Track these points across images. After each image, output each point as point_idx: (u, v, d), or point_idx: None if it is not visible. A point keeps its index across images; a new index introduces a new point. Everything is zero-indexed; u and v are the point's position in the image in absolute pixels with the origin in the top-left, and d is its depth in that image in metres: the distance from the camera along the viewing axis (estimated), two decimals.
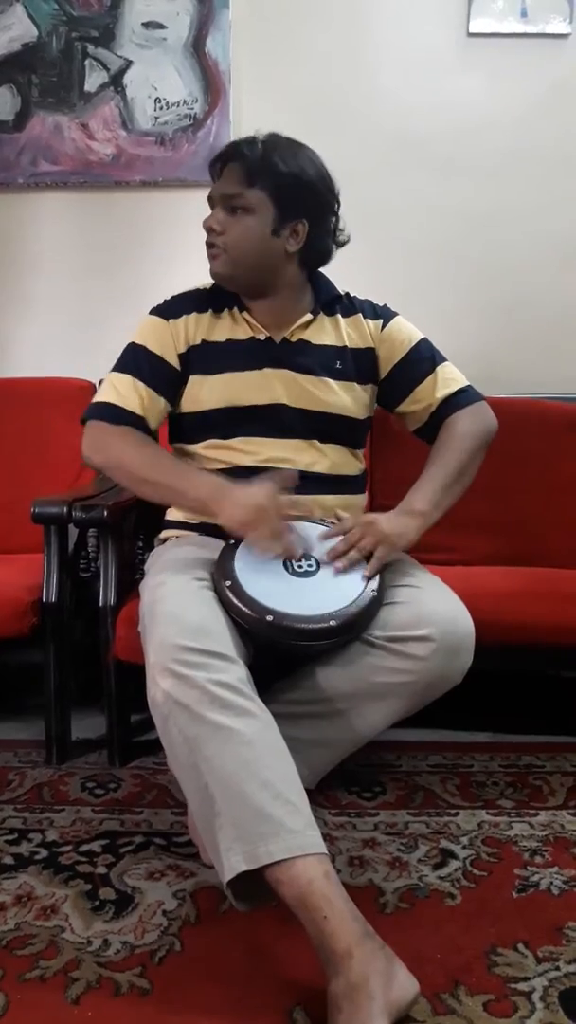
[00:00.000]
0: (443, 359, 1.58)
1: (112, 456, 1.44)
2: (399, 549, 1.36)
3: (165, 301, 1.55)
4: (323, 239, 1.49)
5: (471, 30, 2.28)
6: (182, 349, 1.50)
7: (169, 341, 1.49)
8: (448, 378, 1.55)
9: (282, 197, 1.42)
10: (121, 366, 1.50)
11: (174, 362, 1.49)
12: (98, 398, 1.50)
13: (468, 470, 1.49)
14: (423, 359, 1.56)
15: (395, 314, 1.59)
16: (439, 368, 1.55)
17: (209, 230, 1.45)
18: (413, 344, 1.56)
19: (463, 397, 1.55)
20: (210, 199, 1.47)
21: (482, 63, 2.30)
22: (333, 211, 1.49)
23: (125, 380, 1.48)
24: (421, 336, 1.58)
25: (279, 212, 1.42)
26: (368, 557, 1.32)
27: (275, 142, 1.44)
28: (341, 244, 1.53)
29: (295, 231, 1.45)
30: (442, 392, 1.54)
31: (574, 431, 2.11)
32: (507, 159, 2.32)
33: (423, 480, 1.45)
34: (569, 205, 2.34)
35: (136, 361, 1.49)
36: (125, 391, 1.47)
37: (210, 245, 1.46)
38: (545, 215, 2.34)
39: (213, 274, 1.48)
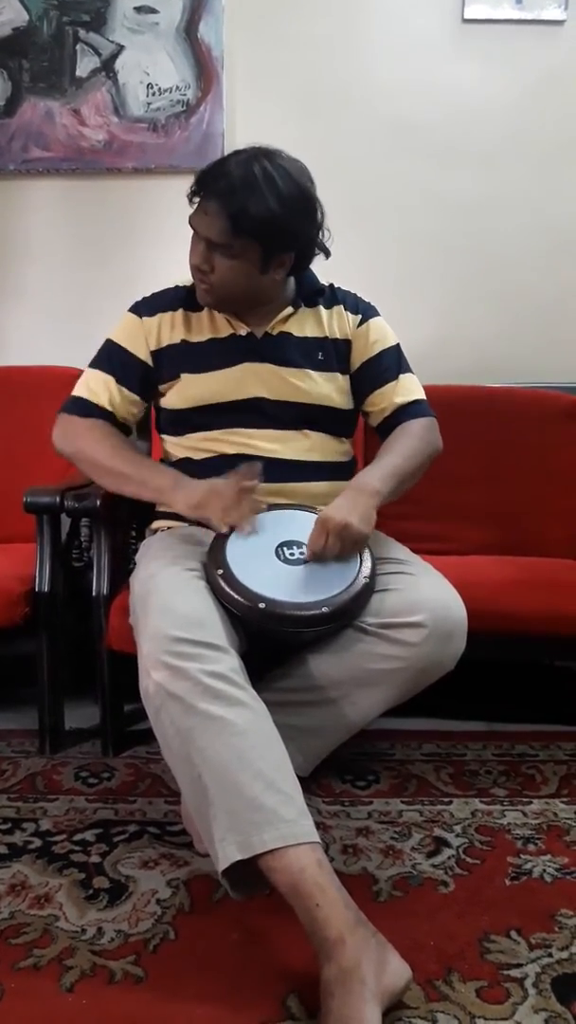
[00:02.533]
0: (409, 369, 1.60)
1: (78, 446, 1.50)
2: (371, 529, 1.33)
3: (144, 298, 1.57)
4: (309, 254, 1.48)
5: (466, 16, 2.26)
6: (154, 347, 1.52)
7: (141, 338, 1.52)
8: (409, 388, 1.57)
9: (267, 241, 1.37)
10: (95, 361, 1.55)
11: (146, 359, 1.52)
12: (73, 392, 1.55)
13: (416, 474, 1.49)
14: (390, 365, 1.57)
15: (376, 314, 1.60)
16: (403, 376, 1.57)
17: (193, 265, 1.43)
18: (383, 348, 1.57)
19: (418, 408, 1.56)
20: (193, 228, 1.41)
21: (477, 50, 2.28)
22: (319, 228, 1.45)
23: (97, 376, 1.53)
24: (394, 342, 1.59)
25: (265, 253, 1.39)
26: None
27: (253, 178, 1.34)
28: (328, 252, 1.50)
29: (282, 263, 1.43)
30: (400, 399, 1.56)
31: (569, 420, 2.11)
32: (502, 146, 2.31)
33: (380, 462, 1.44)
34: (564, 192, 2.33)
35: (109, 357, 1.54)
36: (96, 386, 1.52)
37: (199, 279, 1.44)
38: (540, 202, 2.33)
39: (201, 301, 1.49)
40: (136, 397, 1.53)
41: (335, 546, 1.29)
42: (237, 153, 1.41)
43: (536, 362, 2.33)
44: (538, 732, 1.82)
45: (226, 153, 1.50)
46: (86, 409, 1.51)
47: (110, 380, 1.52)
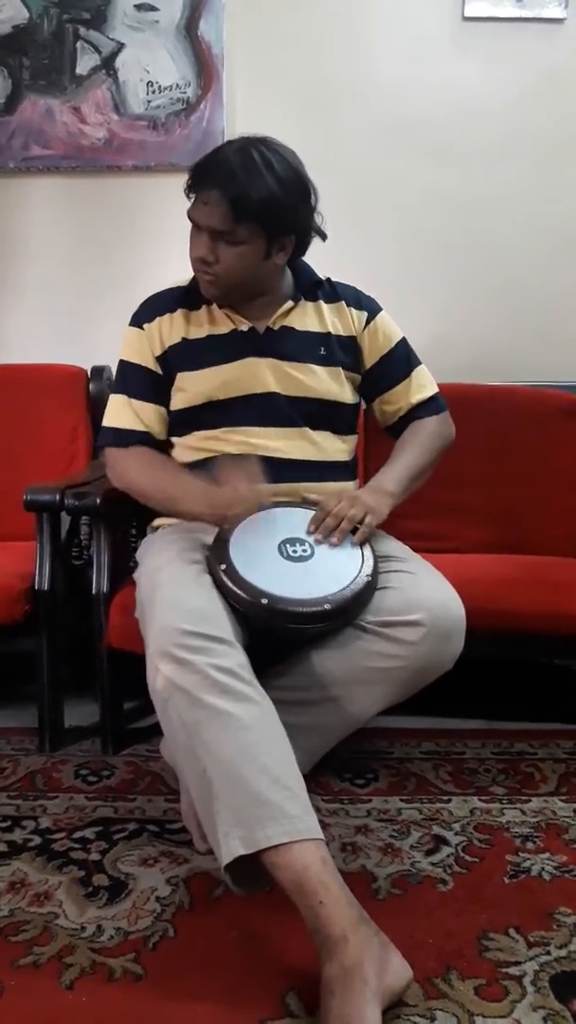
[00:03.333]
0: (418, 362, 1.63)
1: (124, 479, 1.53)
2: (380, 520, 1.39)
3: (140, 306, 1.57)
4: (308, 238, 1.49)
5: (466, 14, 2.26)
6: (158, 352, 1.52)
7: (146, 348, 1.52)
8: (422, 384, 1.61)
9: (270, 224, 1.38)
10: (116, 387, 1.56)
11: (155, 367, 1.53)
12: (104, 422, 1.56)
13: (428, 470, 1.55)
14: (401, 361, 1.60)
15: (380, 309, 1.61)
16: (415, 372, 1.60)
17: (200, 260, 1.42)
18: (393, 344, 1.59)
19: (433, 404, 1.61)
20: (193, 221, 1.41)
21: (477, 48, 2.28)
22: (314, 210, 1.46)
23: (121, 400, 1.54)
24: (401, 335, 1.61)
25: (269, 237, 1.39)
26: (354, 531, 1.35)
27: (251, 163, 1.35)
28: (324, 235, 1.51)
29: (284, 246, 1.43)
30: (416, 397, 1.60)
31: (568, 419, 2.11)
32: (501, 144, 2.31)
33: (394, 464, 1.50)
34: (564, 191, 2.33)
35: (124, 379, 1.55)
36: (123, 411, 1.53)
37: (203, 272, 1.44)
38: (540, 201, 2.33)
39: (206, 294, 1.49)
40: (162, 408, 1.53)
41: (357, 513, 1.33)
42: (229, 143, 1.42)
43: (536, 360, 2.33)
44: (537, 730, 1.82)
45: None
46: (122, 438, 1.52)
47: (133, 401, 1.52)
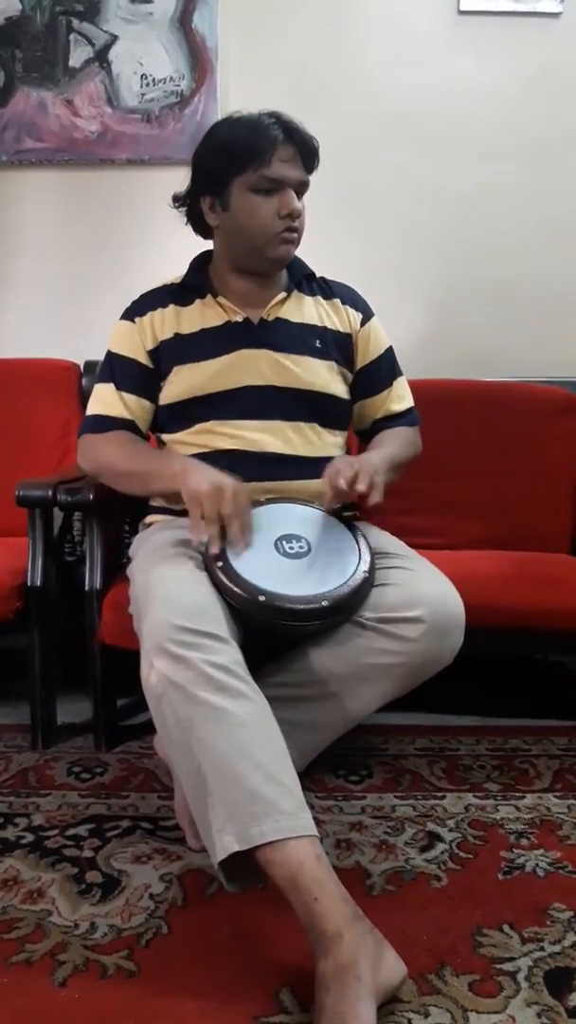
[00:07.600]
0: (400, 372, 1.65)
1: (97, 460, 1.51)
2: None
3: (133, 302, 1.56)
4: None
5: (462, 8, 2.26)
6: (151, 346, 1.51)
7: (138, 341, 1.52)
8: (401, 394, 1.63)
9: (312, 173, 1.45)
10: (101, 376, 1.55)
11: (146, 361, 1.52)
12: (88, 411, 1.55)
13: (402, 469, 1.56)
14: (386, 369, 1.62)
15: (373, 313, 1.62)
16: (396, 382, 1.63)
17: (295, 215, 1.43)
18: (382, 352, 1.61)
19: (409, 416, 1.64)
20: (280, 181, 1.40)
21: (473, 41, 2.28)
22: None
23: (107, 389, 1.53)
24: (389, 343, 1.63)
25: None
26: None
27: (292, 120, 1.43)
28: None
29: None
30: (394, 406, 1.62)
31: (562, 415, 2.11)
32: (497, 138, 2.31)
33: (378, 452, 1.50)
34: (559, 185, 2.32)
35: (112, 369, 1.54)
36: (109, 400, 1.52)
37: (292, 230, 1.45)
38: (535, 195, 2.33)
39: (283, 257, 1.48)
40: (146, 402, 1.52)
41: (364, 477, 1.29)
42: (260, 114, 1.42)
43: (530, 356, 2.33)
44: (531, 727, 1.82)
45: None
46: (103, 424, 1.51)
47: (122, 392, 1.51)
